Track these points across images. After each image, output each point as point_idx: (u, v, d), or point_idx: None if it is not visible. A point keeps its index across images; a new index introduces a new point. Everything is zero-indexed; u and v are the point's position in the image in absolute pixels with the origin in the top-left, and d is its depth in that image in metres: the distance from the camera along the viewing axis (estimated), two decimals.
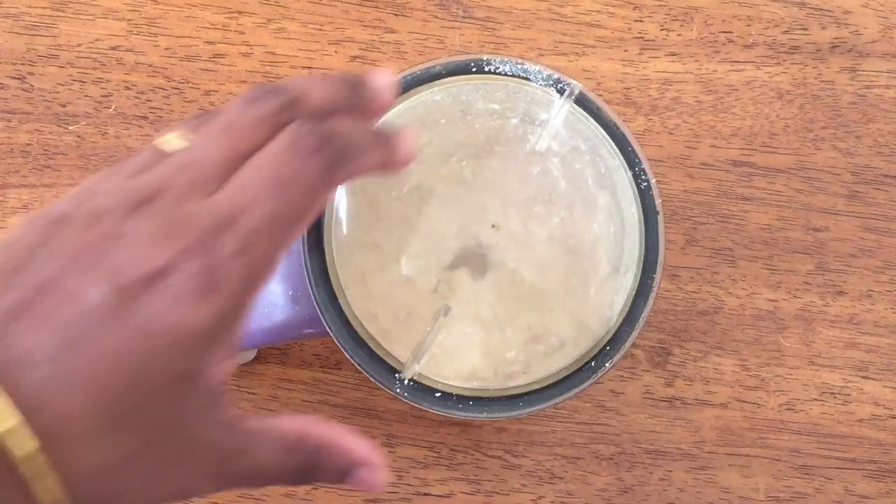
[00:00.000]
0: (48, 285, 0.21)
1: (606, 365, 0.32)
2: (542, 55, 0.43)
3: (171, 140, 0.25)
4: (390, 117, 0.35)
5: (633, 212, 0.34)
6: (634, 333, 0.32)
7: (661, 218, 0.34)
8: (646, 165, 0.35)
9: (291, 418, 0.25)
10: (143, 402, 0.21)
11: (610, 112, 0.34)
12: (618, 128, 0.35)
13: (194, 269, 0.22)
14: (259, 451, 0.24)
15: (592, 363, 0.34)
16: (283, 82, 0.27)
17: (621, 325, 0.34)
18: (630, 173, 0.34)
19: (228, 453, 0.24)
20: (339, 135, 0.25)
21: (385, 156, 0.28)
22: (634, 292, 0.34)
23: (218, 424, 0.24)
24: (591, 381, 0.32)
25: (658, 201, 0.34)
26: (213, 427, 0.24)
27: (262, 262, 0.23)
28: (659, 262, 0.33)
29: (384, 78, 0.28)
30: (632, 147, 0.35)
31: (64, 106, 0.41)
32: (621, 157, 0.35)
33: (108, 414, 0.21)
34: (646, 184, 0.35)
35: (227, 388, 0.24)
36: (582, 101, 0.35)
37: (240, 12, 0.43)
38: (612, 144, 0.34)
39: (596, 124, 0.35)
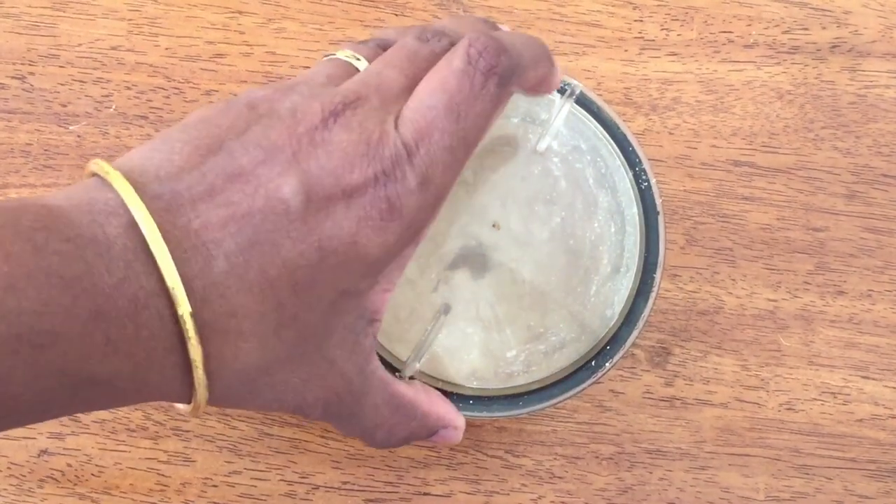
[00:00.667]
0: (244, 175, 0.21)
1: (606, 365, 0.32)
2: None
3: (350, 56, 0.26)
4: None
5: (633, 212, 0.34)
6: (635, 333, 0.32)
7: (661, 218, 0.34)
8: (646, 165, 0.35)
9: (406, 387, 0.27)
10: (304, 314, 0.21)
11: (610, 112, 0.34)
12: (618, 127, 0.35)
13: (382, 195, 0.22)
14: (372, 399, 0.25)
15: (593, 363, 0.34)
16: (441, 24, 0.28)
17: (622, 324, 0.34)
18: (630, 173, 0.34)
19: (351, 391, 0.24)
20: (509, 50, 0.26)
21: (546, 72, 0.28)
22: (635, 292, 0.34)
23: (355, 358, 0.24)
24: (591, 380, 0.32)
25: (658, 201, 0.34)
26: (350, 357, 0.24)
27: (439, 193, 0.24)
28: (659, 262, 0.33)
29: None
30: (632, 147, 0.35)
31: (64, 106, 0.41)
32: (622, 157, 0.35)
33: (270, 319, 0.21)
34: (646, 184, 0.35)
35: (379, 322, 0.25)
36: (582, 101, 0.35)
37: (240, 12, 0.43)
38: (613, 144, 0.34)
39: (596, 124, 0.35)
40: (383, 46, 0.28)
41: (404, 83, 0.25)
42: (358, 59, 0.26)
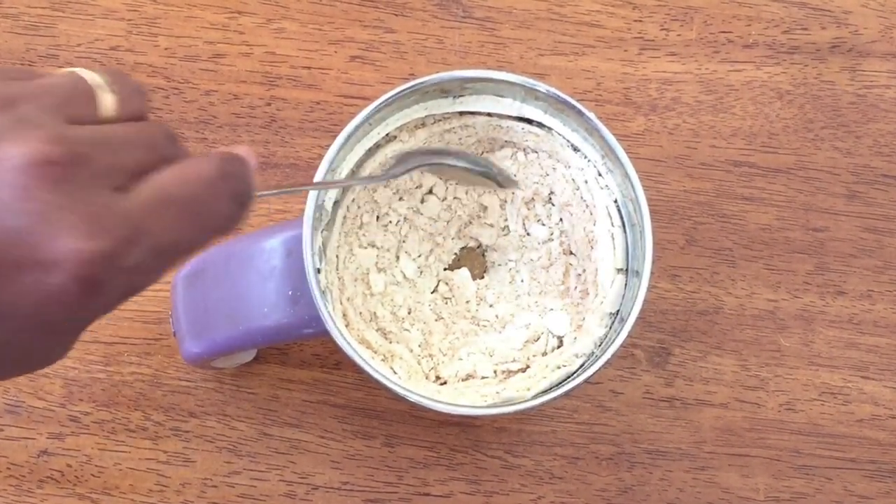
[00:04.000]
0: None
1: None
2: (542, 55, 0.43)
3: (101, 86, 0.22)
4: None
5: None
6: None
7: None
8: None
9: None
10: None
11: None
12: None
13: (87, 272, 0.19)
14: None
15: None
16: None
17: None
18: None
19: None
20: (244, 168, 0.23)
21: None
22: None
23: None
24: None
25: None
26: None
27: (147, 282, 0.21)
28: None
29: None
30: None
31: None
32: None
33: None
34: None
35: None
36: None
37: (240, 12, 0.43)
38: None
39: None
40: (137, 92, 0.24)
41: (142, 159, 0.21)
42: (106, 93, 0.22)
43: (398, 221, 0.37)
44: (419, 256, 0.38)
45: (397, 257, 0.37)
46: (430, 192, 0.38)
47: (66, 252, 0.19)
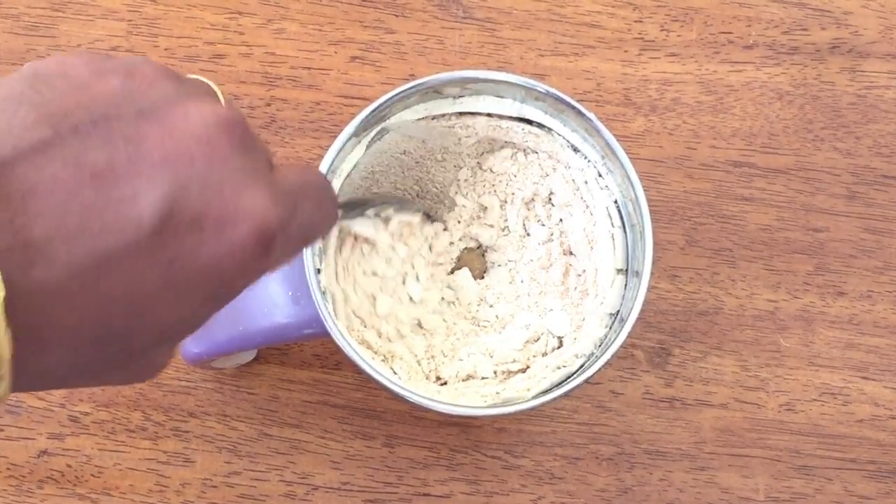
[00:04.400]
0: (99, 176, 0.18)
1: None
2: (542, 56, 0.43)
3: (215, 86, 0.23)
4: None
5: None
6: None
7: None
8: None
9: None
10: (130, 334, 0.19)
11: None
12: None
13: (267, 231, 0.19)
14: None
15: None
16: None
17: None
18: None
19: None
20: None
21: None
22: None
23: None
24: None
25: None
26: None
27: (282, 263, 0.22)
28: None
29: None
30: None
31: None
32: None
33: (92, 335, 0.18)
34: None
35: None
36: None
37: (240, 13, 0.43)
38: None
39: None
40: None
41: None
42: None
43: (402, 257, 0.37)
44: (419, 257, 0.38)
45: (403, 281, 0.37)
46: (445, 228, 0.38)
47: (252, 208, 0.19)
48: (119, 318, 0.19)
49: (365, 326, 0.35)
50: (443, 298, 0.38)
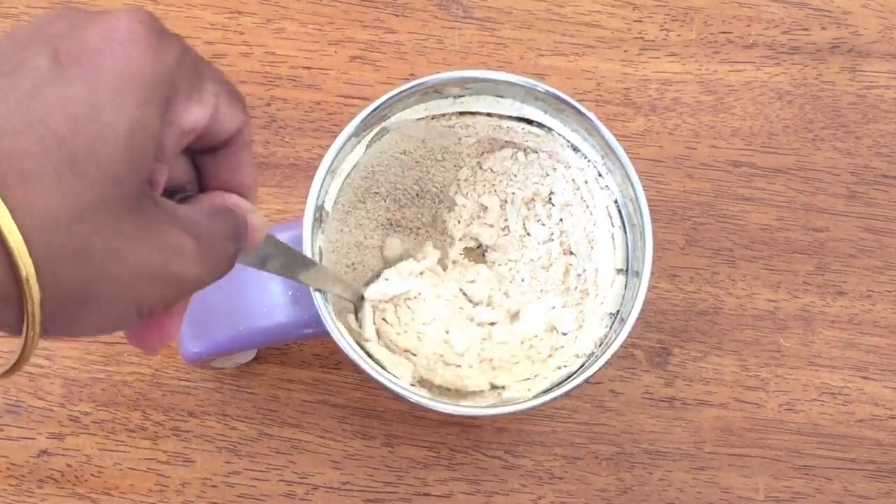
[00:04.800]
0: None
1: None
2: (542, 55, 0.43)
3: None
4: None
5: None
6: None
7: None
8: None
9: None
10: (96, 150, 0.19)
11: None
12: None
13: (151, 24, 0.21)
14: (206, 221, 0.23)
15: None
16: None
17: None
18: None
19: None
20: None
21: None
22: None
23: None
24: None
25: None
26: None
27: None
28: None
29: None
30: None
31: None
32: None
33: (61, 156, 0.19)
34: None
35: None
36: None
37: (239, 12, 0.43)
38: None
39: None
40: None
41: None
42: None
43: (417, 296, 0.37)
44: (419, 256, 0.38)
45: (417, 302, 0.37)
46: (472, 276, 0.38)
47: (128, 10, 0.21)
48: (66, 126, 0.19)
49: (446, 365, 0.35)
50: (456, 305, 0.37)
